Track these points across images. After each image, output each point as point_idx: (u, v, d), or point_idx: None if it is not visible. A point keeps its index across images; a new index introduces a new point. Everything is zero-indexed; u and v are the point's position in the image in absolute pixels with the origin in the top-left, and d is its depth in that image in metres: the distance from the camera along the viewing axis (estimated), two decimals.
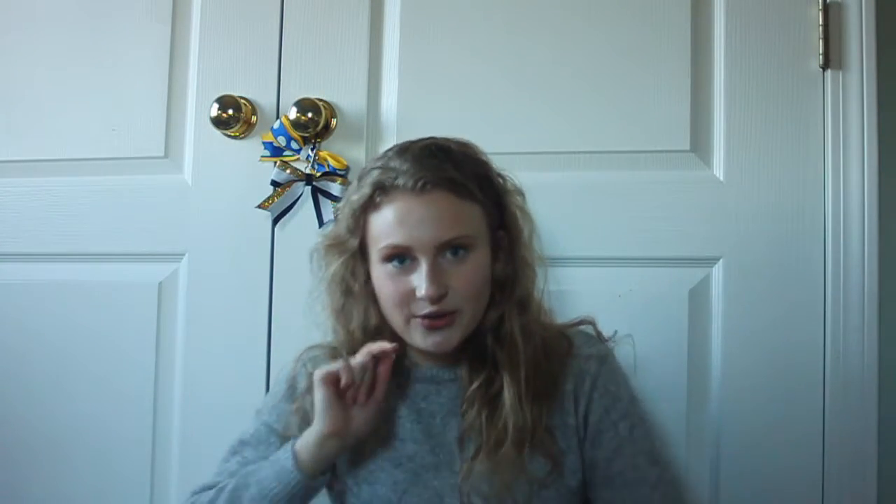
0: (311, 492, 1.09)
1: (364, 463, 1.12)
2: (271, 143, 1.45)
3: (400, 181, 1.04)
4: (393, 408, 1.13)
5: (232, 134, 1.48)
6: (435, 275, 1.03)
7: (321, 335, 1.18)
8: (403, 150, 1.08)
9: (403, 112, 1.45)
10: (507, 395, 1.06)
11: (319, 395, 1.06)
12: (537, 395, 1.08)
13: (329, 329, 1.17)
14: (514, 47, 1.42)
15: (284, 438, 1.12)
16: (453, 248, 1.04)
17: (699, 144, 1.37)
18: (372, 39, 1.47)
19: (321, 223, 1.43)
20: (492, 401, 1.07)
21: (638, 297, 1.36)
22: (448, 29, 1.44)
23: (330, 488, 1.15)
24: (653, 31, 1.38)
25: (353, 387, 1.06)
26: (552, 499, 1.08)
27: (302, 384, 1.15)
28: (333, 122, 1.45)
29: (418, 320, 1.05)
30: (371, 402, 1.08)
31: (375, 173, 1.06)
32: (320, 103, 1.43)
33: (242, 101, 1.46)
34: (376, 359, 1.08)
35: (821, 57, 1.33)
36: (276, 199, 1.45)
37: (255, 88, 1.49)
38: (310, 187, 1.44)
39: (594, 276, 1.37)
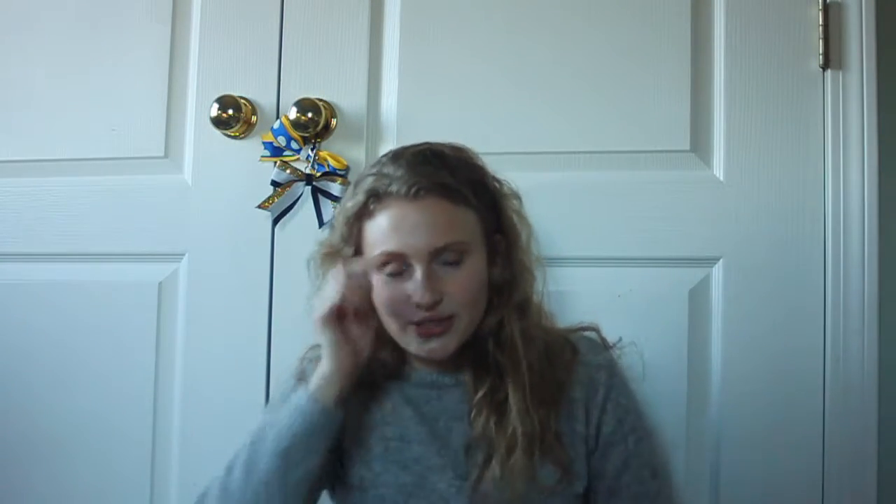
0: (330, 427, 1.06)
1: (370, 465, 1.10)
2: (271, 143, 1.45)
3: (394, 188, 1.03)
4: (398, 409, 1.12)
5: (232, 134, 1.48)
6: (429, 281, 1.02)
7: None
8: (397, 156, 1.07)
9: (403, 112, 1.45)
10: (513, 401, 1.06)
11: (327, 336, 1.05)
12: (543, 401, 1.07)
13: None
14: (514, 47, 1.42)
15: None
16: (448, 254, 1.04)
17: (699, 144, 1.37)
18: (372, 39, 1.47)
19: (321, 223, 1.43)
20: (499, 407, 1.07)
21: (638, 298, 1.36)
22: (448, 29, 1.44)
23: (333, 492, 1.15)
24: (653, 31, 1.38)
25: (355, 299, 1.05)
26: None
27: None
28: (333, 122, 1.45)
29: (414, 327, 1.05)
30: (370, 318, 1.07)
31: (369, 180, 1.06)
32: (320, 103, 1.43)
33: (242, 101, 1.46)
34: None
35: (821, 57, 1.33)
36: (276, 200, 1.45)
37: (255, 88, 1.49)
38: (310, 187, 1.44)
39: (594, 276, 1.37)
